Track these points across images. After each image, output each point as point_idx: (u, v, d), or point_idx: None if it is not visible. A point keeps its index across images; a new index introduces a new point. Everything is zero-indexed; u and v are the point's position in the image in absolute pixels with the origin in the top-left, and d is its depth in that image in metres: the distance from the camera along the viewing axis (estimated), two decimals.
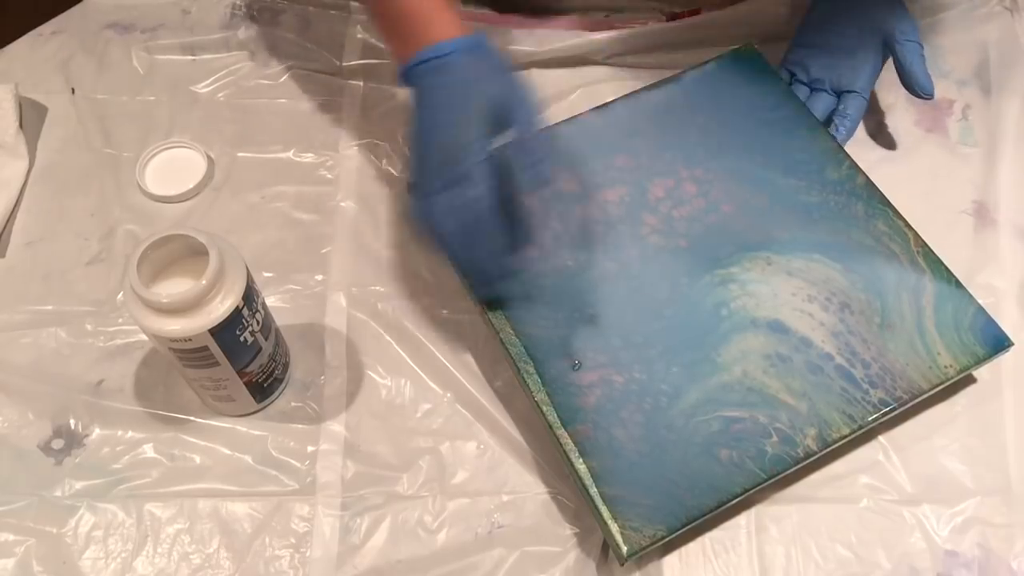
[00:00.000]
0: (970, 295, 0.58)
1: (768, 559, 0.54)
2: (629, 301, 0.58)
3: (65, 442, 0.57)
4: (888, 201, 0.62)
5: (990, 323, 0.57)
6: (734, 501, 0.52)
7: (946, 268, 0.59)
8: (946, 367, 0.56)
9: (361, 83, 0.72)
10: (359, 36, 0.73)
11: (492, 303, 0.58)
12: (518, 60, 0.72)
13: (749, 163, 0.64)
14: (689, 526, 0.52)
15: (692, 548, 0.54)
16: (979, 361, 0.56)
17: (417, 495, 0.56)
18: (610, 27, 0.73)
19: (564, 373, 0.56)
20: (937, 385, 0.56)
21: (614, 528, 0.51)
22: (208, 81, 0.72)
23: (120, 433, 0.57)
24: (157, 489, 0.56)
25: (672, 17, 0.75)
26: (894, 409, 0.55)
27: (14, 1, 0.76)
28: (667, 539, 0.51)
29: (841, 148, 0.64)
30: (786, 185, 0.63)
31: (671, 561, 0.54)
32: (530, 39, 0.73)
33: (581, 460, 0.53)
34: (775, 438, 0.54)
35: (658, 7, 0.75)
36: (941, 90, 0.73)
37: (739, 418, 0.54)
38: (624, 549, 0.51)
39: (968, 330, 0.57)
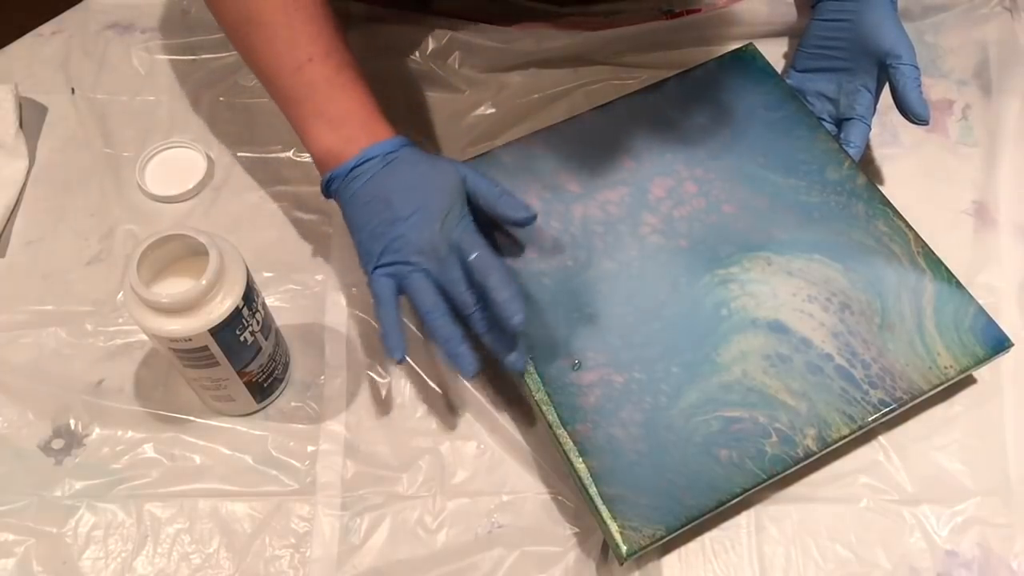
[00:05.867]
0: (970, 296, 0.58)
1: (768, 559, 0.54)
2: (629, 301, 0.58)
3: (65, 442, 0.57)
4: (888, 201, 0.62)
5: (990, 324, 0.57)
6: (734, 501, 0.52)
7: (946, 269, 0.59)
8: (946, 368, 0.56)
9: None
10: (359, 37, 0.73)
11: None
12: (518, 59, 0.72)
13: (750, 163, 0.63)
14: (688, 526, 0.52)
15: (692, 548, 0.54)
16: (979, 362, 0.56)
17: (417, 495, 0.56)
18: (609, 26, 0.73)
19: (564, 373, 0.56)
20: (937, 386, 0.56)
21: (613, 528, 0.51)
22: (208, 81, 0.72)
23: (120, 433, 0.57)
24: (157, 489, 0.56)
25: (672, 15, 0.75)
26: (894, 410, 0.55)
27: (14, 1, 0.75)
28: (666, 539, 0.51)
29: (841, 149, 0.64)
30: (787, 185, 0.62)
31: (671, 561, 0.54)
32: (529, 38, 0.73)
33: (581, 459, 0.53)
34: (775, 438, 0.54)
35: (657, 5, 0.75)
36: (941, 90, 0.73)
37: (739, 418, 0.54)
38: (623, 549, 0.51)
39: (968, 331, 0.57)
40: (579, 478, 0.53)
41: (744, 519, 0.55)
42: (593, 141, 0.64)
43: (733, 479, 0.52)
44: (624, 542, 0.51)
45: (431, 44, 0.73)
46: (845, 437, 0.54)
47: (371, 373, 0.60)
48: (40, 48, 0.74)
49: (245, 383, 0.55)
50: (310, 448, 0.57)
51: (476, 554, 0.54)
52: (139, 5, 0.75)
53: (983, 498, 0.56)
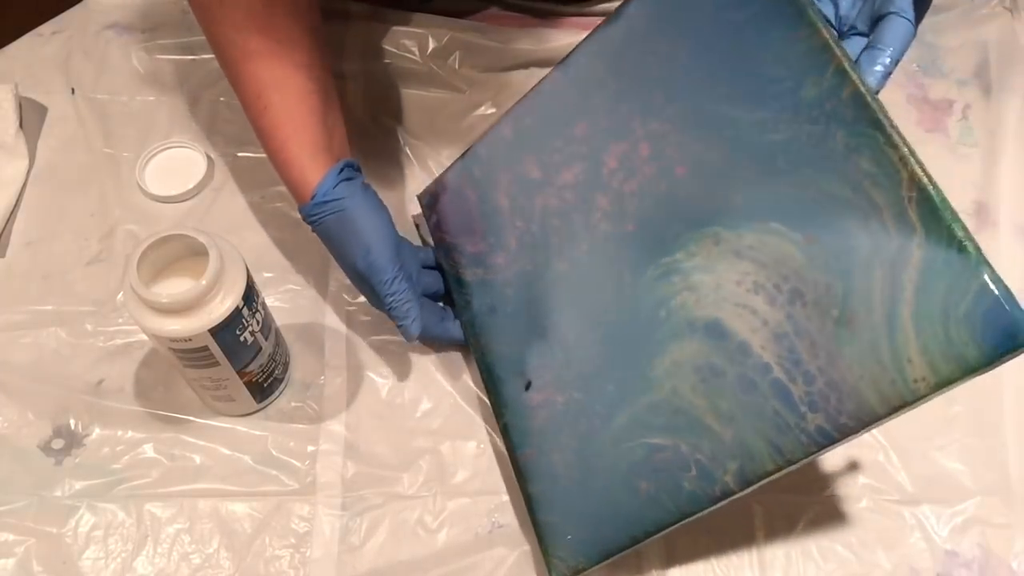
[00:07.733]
0: (981, 262, 0.37)
1: (768, 559, 0.54)
2: (575, 307, 0.52)
3: (65, 442, 0.57)
4: (881, 120, 0.41)
5: (998, 310, 0.36)
6: (650, 540, 0.48)
7: (951, 222, 0.39)
8: (916, 382, 0.39)
9: (362, 84, 0.72)
10: (359, 37, 0.73)
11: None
12: (518, 59, 0.72)
13: (710, 97, 0.47)
14: (606, 562, 0.50)
15: (692, 548, 0.54)
16: (969, 371, 0.37)
17: (417, 495, 0.56)
18: None
19: (519, 393, 0.54)
20: (898, 408, 0.39)
21: (545, 556, 0.52)
22: (208, 81, 0.72)
23: (120, 433, 0.57)
24: (157, 489, 0.56)
25: None
26: (833, 443, 0.41)
27: (14, 1, 0.75)
28: (588, 571, 0.51)
29: (829, 45, 0.42)
30: (751, 122, 0.45)
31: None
32: (529, 38, 0.73)
33: (526, 485, 0.53)
34: (693, 472, 0.46)
35: None
36: (941, 90, 0.73)
37: (662, 446, 0.47)
38: None
39: (963, 320, 0.37)
40: (525, 503, 0.53)
41: (745, 519, 0.55)
42: (553, 112, 0.54)
43: (647, 515, 0.47)
44: (553, 571, 0.51)
45: (431, 44, 0.73)
46: (770, 474, 0.43)
47: (371, 373, 0.60)
48: (40, 48, 0.74)
49: (245, 383, 0.55)
50: (310, 448, 0.57)
51: (476, 554, 0.54)
52: (139, 5, 0.75)
53: (983, 498, 0.56)
